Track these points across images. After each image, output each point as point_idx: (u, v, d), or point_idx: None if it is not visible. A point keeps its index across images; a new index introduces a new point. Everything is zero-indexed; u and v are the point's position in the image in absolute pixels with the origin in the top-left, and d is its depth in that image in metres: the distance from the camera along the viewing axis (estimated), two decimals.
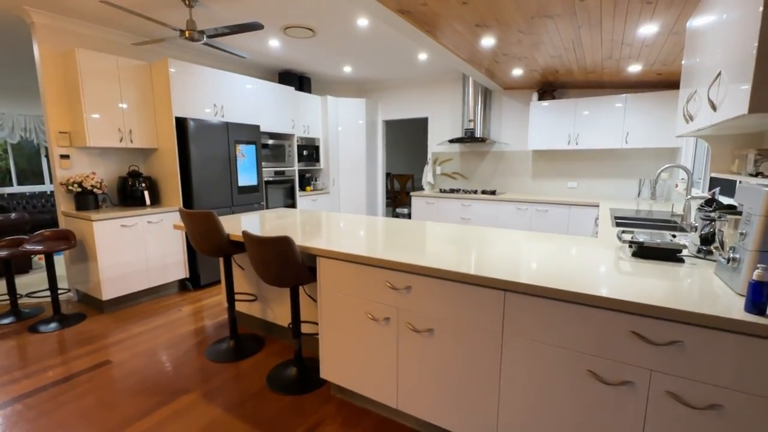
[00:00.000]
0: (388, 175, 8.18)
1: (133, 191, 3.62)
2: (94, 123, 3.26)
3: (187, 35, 2.87)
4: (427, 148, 6.05)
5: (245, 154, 4.15)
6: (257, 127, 4.27)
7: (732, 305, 1.14)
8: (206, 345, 2.68)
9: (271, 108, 4.58)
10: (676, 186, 3.70)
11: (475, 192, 5.02)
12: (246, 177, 4.19)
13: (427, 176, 5.68)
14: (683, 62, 1.92)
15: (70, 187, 3.29)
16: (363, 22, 3.32)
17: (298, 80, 5.29)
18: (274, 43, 3.95)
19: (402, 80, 5.66)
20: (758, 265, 1.12)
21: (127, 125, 3.48)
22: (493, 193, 4.90)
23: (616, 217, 2.92)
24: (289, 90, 4.82)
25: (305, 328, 2.56)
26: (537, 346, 1.39)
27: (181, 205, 3.65)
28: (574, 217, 4.19)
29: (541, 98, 4.56)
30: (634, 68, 3.45)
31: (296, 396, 2.10)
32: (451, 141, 5.09)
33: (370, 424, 1.88)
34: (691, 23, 1.85)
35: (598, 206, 3.96)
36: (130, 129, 3.50)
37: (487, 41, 2.94)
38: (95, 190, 3.38)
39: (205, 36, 2.94)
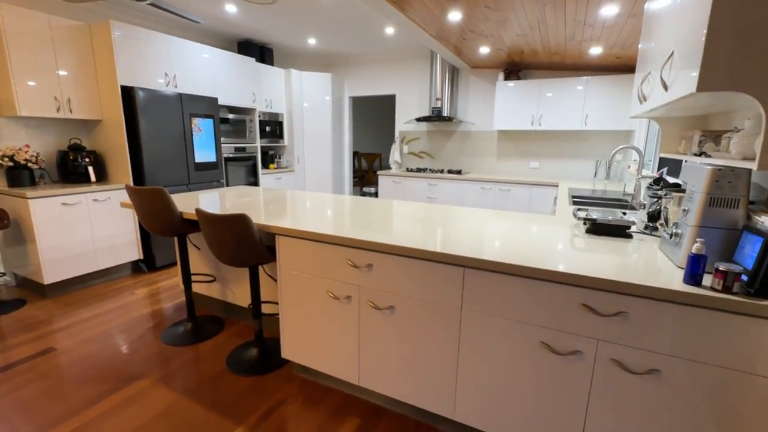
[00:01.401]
0: (355, 153, 8.06)
1: (75, 167, 3.32)
2: (25, 90, 2.92)
3: None
4: (394, 127, 5.98)
5: (202, 129, 3.91)
6: (215, 99, 4.02)
7: (672, 277, 1.20)
8: (162, 329, 2.56)
9: (231, 80, 4.32)
10: (629, 167, 3.89)
11: (442, 171, 5.04)
12: (203, 153, 3.96)
13: (395, 155, 5.63)
14: (640, 45, 1.96)
15: (0, 162, 2.97)
16: None
17: (259, 51, 5.00)
18: (231, 8, 3.67)
19: (369, 55, 5.49)
20: (697, 239, 1.19)
21: (65, 93, 3.15)
22: (459, 172, 4.95)
23: (573, 197, 3.03)
24: (250, 61, 4.55)
25: (266, 309, 2.50)
26: (494, 320, 1.42)
27: (131, 182, 3.41)
28: (536, 196, 4.32)
29: (507, 78, 4.59)
30: (596, 50, 3.52)
31: (257, 377, 2.07)
32: (419, 120, 5.05)
33: (333, 402, 1.89)
34: (649, 6, 1.88)
35: (557, 186, 4.09)
36: (68, 98, 3.17)
37: (454, 16, 2.88)
38: (30, 164, 3.07)
39: None
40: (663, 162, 2.87)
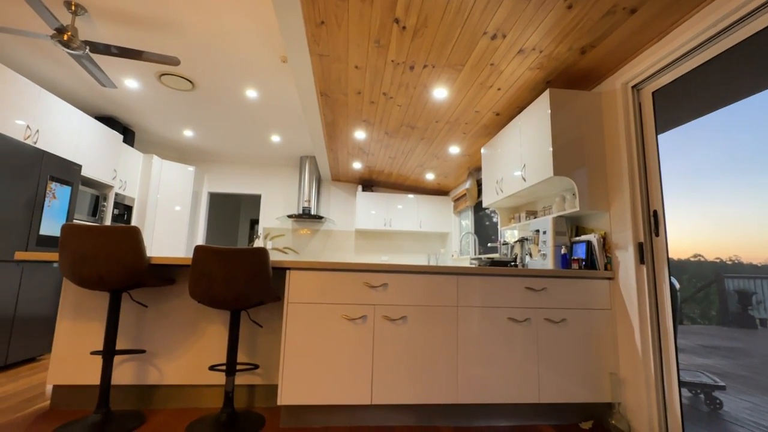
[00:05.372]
0: None
1: None
2: None
3: (65, 38, 2.44)
4: (250, 223, 6.17)
5: (58, 196, 3.20)
6: (79, 166, 3.43)
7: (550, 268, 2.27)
8: None
9: (93, 150, 3.81)
10: (453, 256, 5.53)
11: None
12: (52, 225, 3.15)
13: None
14: (482, 164, 3.46)
15: None
16: (252, 93, 3.71)
17: (122, 131, 4.62)
18: (132, 83, 3.60)
19: (236, 155, 5.85)
20: (559, 247, 2.34)
21: None
22: None
23: None
24: (116, 136, 4.18)
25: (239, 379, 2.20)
26: (480, 310, 2.10)
27: None
28: None
29: (364, 190, 5.90)
30: (430, 176, 5.27)
31: None
32: (290, 216, 5.56)
33: None
34: (485, 150, 3.45)
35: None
36: None
37: (360, 135, 3.94)
38: None
39: (87, 48, 2.57)
40: (486, 241, 4.46)
